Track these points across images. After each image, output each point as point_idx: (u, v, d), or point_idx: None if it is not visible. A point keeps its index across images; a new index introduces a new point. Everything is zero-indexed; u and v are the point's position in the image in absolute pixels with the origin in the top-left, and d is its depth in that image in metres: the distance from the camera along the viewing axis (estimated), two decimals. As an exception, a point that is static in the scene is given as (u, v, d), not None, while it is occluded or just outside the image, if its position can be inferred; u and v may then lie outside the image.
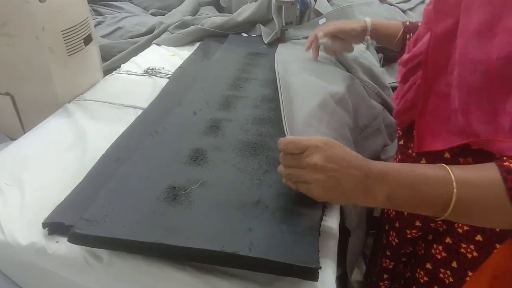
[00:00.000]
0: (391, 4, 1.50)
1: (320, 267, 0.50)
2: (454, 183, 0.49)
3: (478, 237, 0.63)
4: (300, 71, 0.96)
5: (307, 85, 0.88)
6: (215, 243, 0.53)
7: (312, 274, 0.51)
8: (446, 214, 0.50)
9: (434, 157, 0.66)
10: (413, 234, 0.74)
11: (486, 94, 0.52)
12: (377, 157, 0.96)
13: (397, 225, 0.79)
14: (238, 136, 0.78)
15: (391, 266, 0.83)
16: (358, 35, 0.94)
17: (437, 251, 0.69)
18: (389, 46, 0.97)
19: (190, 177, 0.66)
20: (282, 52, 1.14)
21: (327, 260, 0.57)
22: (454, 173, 0.50)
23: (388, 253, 0.82)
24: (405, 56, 0.71)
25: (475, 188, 0.49)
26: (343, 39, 0.96)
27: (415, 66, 0.67)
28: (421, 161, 0.69)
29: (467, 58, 0.53)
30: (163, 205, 0.60)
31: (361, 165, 0.53)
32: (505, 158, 0.50)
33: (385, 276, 0.85)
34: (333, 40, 0.96)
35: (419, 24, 0.89)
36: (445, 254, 0.67)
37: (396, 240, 0.78)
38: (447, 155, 0.64)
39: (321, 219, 0.59)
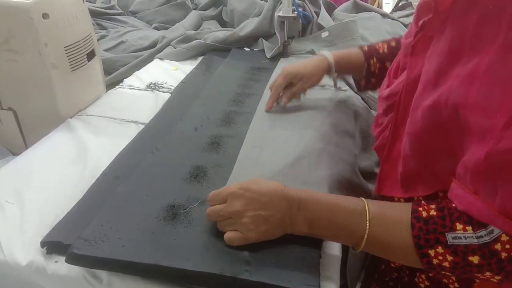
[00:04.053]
0: (393, 19, 1.51)
1: (321, 292, 0.50)
2: (367, 221, 0.51)
3: None
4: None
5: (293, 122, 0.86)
6: (214, 266, 0.52)
7: (312, 298, 0.50)
8: (360, 248, 0.53)
9: None
10: (396, 264, 0.71)
11: (440, 140, 0.51)
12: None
13: None
14: (239, 153, 0.77)
15: None
16: (315, 79, 0.89)
17: (420, 279, 0.66)
18: (355, 75, 0.94)
19: (190, 195, 0.66)
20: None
21: (329, 283, 0.56)
22: (370, 210, 0.52)
23: (376, 276, 0.81)
24: (386, 91, 0.69)
25: (386, 229, 0.51)
26: None
27: (394, 104, 0.65)
28: None
29: (421, 105, 0.53)
30: (162, 224, 0.59)
31: (283, 195, 0.55)
32: (423, 202, 0.51)
33: None
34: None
35: (378, 46, 0.88)
36: (428, 283, 0.65)
37: (383, 266, 0.76)
38: None
39: (322, 241, 0.59)
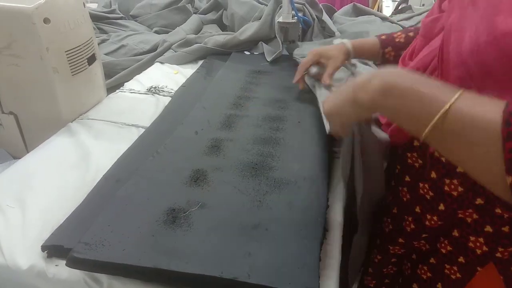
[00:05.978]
0: (392, 22, 1.51)
1: (320, 294, 0.50)
2: (457, 93, 0.42)
3: (461, 259, 0.63)
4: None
5: None
6: (214, 268, 0.52)
7: (311, 300, 0.50)
8: (428, 127, 0.43)
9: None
10: (396, 250, 0.73)
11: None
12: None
13: (378, 241, 0.78)
14: (239, 156, 0.78)
15: (372, 285, 0.82)
16: (341, 60, 0.96)
17: (423, 271, 0.68)
18: (372, 60, 1.02)
19: (190, 199, 0.66)
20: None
21: (328, 285, 0.57)
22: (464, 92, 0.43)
23: (370, 270, 0.81)
24: (413, 63, 0.65)
25: (474, 105, 0.41)
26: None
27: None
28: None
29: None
30: (162, 228, 0.60)
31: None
32: None
33: None
34: (318, 67, 1.00)
35: (395, 35, 0.91)
36: (430, 275, 0.66)
37: (379, 257, 0.76)
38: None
39: (322, 243, 0.59)
